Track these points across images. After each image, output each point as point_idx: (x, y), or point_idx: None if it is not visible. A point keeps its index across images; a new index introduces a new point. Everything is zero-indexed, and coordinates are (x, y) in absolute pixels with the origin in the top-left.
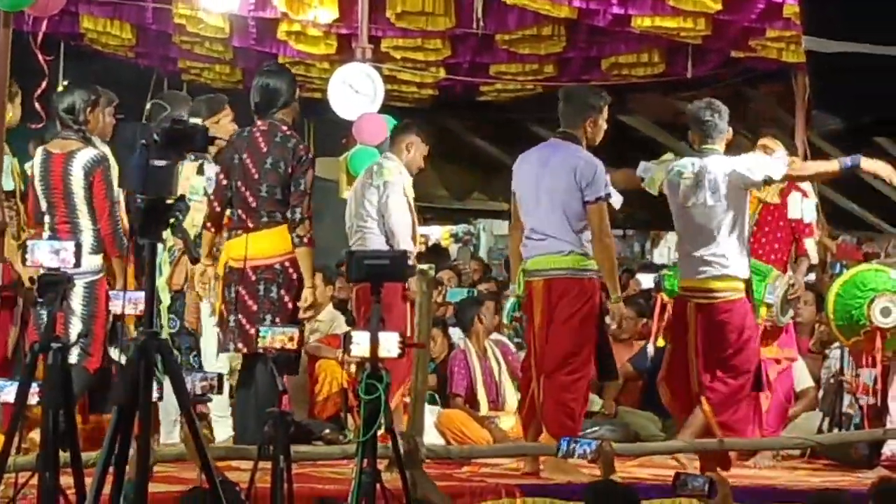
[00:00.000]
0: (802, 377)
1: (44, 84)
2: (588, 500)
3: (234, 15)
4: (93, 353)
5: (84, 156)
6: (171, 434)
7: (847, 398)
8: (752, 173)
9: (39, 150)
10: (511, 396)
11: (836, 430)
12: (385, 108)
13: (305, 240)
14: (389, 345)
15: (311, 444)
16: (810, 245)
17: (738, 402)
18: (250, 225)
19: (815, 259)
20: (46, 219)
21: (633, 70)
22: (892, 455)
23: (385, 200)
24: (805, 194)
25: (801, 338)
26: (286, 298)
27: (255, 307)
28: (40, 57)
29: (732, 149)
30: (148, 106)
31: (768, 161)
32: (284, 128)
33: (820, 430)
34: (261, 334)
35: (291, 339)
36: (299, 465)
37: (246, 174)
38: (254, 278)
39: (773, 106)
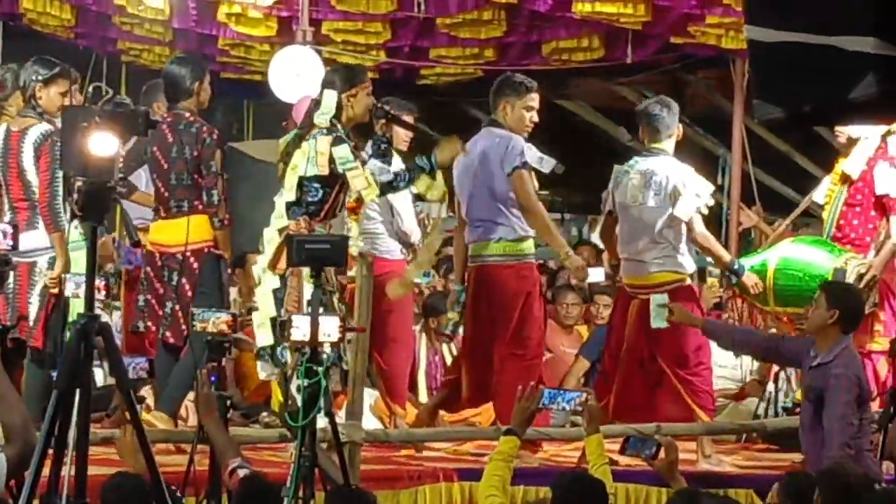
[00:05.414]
0: None
1: None
2: (556, 492)
3: None
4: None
5: (35, 131)
6: None
7: None
8: (682, 208)
9: (2, 126)
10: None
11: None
12: None
13: (226, 222)
14: (329, 329)
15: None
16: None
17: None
18: (163, 214)
19: None
20: (5, 197)
21: (572, 55)
22: None
23: None
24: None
25: None
26: (186, 286)
27: (161, 290)
28: None
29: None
30: (90, 89)
31: (695, 204)
32: (187, 115)
33: (756, 416)
34: (196, 317)
35: (226, 323)
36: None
37: (157, 166)
38: (160, 264)
39: (712, 91)
